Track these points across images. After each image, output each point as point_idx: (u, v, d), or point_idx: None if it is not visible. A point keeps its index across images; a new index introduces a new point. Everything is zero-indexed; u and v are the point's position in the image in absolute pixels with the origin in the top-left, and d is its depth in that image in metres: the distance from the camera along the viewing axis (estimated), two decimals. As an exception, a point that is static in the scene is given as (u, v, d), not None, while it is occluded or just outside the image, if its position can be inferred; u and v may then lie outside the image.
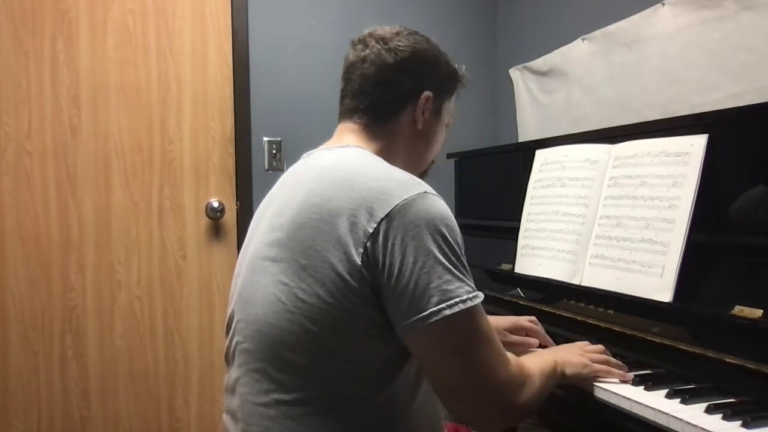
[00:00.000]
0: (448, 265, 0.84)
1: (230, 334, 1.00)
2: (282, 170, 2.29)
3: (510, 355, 0.90)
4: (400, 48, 1.03)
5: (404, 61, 1.03)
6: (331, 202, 0.87)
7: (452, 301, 0.82)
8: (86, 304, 2.07)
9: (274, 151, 2.30)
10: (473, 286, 0.86)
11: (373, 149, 1.01)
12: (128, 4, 2.10)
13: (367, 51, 1.03)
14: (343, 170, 0.92)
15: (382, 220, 0.84)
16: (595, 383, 1.04)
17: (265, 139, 2.29)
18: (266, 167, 2.29)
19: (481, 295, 0.87)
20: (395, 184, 0.87)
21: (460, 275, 0.85)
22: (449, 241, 0.85)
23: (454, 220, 0.89)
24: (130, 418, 2.13)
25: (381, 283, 0.84)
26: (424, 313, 0.82)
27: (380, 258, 0.83)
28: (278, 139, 2.30)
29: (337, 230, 0.85)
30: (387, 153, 1.02)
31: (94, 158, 2.08)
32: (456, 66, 1.11)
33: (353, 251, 0.84)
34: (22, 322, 2.01)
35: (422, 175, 1.13)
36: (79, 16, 2.05)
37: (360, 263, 0.84)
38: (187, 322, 2.19)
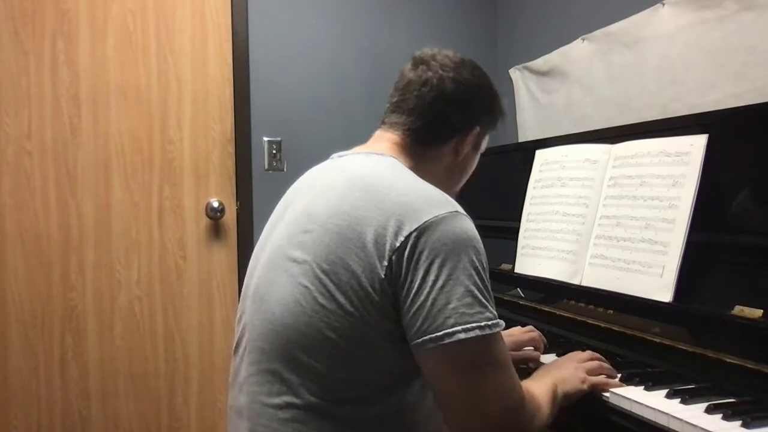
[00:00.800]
0: (471, 287, 0.82)
1: (242, 330, 0.99)
2: (282, 170, 2.29)
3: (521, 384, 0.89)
4: (463, 81, 1.03)
5: (464, 94, 1.03)
6: (361, 211, 0.87)
7: (469, 326, 0.81)
8: (86, 304, 2.07)
9: (274, 151, 2.30)
10: (494, 313, 0.85)
11: (407, 165, 1.00)
12: (128, 4, 2.10)
13: (429, 74, 1.02)
14: (376, 180, 0.91)
15: (409, 235, 0.83)
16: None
17: (265, 139, 2.29)
18: (266, 167, 2.29)
19: (501, 324, 0.85)
20: (426, 200, 0.87)
21: (483, 300, 0.83)
22: (475, 263, 0.84)
23: (481, 244, 0.87)
24: (130, 418, 2.13)
25: (400, 298, 0.84)
26: (438, 334, 0.81)
27: (403, 272, 0.83)
28: (278, 139, 2.30)
29: (363, 240, 0.84)
30: (420, 174, 1.00)
31: (94, 158, 2.08)
32: (503, 105, 1.12)
33: (377, 264, 0.83)
34: (22, 322, 2.01)
35: None
36: (79, 16, 2.05)
37: (383, 276, 0.83)
38: (187, 322, 2.19)
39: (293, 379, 0.87)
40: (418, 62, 1.05)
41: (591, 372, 1.05)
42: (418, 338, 0.82)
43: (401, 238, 0.83)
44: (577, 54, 2.11)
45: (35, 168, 2.02)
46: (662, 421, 0.90)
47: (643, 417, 0.93)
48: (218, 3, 2.21)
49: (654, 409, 0.91)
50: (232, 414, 0.98)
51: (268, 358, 0.90)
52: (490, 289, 0.86)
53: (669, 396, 0.95)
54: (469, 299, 0.82)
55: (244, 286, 1.04)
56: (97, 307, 2.09)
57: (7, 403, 2.00)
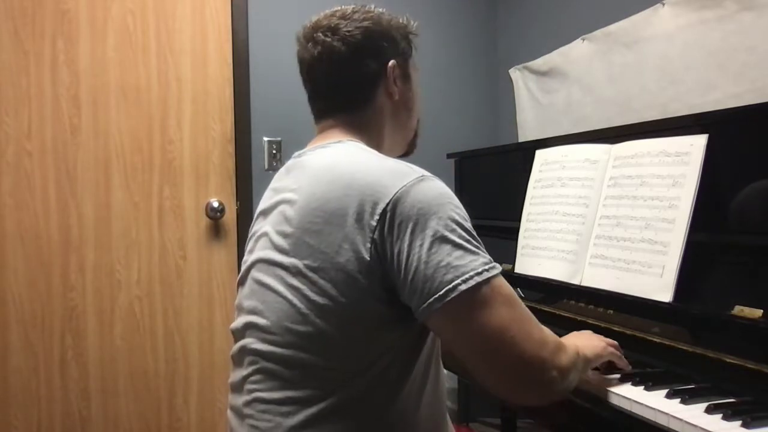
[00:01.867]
0: (457, 240, 0.83)
1: (240, 336, 0.99)
2: (282, 170, 2.29)
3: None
4: (350, 33, 1.00)
5: (358, 46, 1.00)
6: (332, 203, 0.87)
7: (466, 276, 0.81)
8: (86, 304, 2.07)
9: (274, 151, 2.30)
10: (488, 257, 0.85)
11: (362, 139, 1.01)
12: (128, 4, 2.10)
13: (319, 48, 1.00)
14: (339, 170, 0.92)
15: (383, 211, 0.84)
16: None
17: (265, 139, 2.29)
18: (266, 167, 2.29)
19: (498, 266, 0.85)
20: (391, 174, 0.87)
21: (472, 248, 0.84)
22: (454, 217, 0.84)
23: (455, 198, 0.88)
24: (130, 418, 2.13)
25: (392, 275, 0.84)
26: (440, 293, 0.81)
27: (387, 249, 0.83)
28: (278, 139, 2.30)
29: (343, 230, 0.85)
30: (376, 138, 1.02)
31: (94, 158, 2.08)
32: (405, 21, 1.08)
33: (362, 248, 0.84)
34: (22, 322, 2.01)
35: (414, 139, 1.14)
36: (79, 16, 2.05)
37: (369, 259, 0.84)
38: (187, 322, 2.19)
39: (293, 376, 0.88)
40: (305, 40, 1.03)
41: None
42: (423, 303, 0.82)
43: (377, 217, 0.84)
44: (577, 54, 2.11)
45: (35, 168, 2.02)
46: (662, 421, 0.90)
47: (643, 417, 0.93)
48: (218, 3, 2.21)
49: (654, 409, 0.91)
50: (232, 415, 0.98)
51: (266, 358, 0.91)
52: (476, 236, 0.86)
53: (669, 396, 0.95)
54: (458, 252, 0.82)
55: (238, 296, 1.04)
56: (97, 307, 2.09)
57: (7, 403, 2.00)
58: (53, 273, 2.04)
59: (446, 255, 0.82)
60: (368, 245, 0.84)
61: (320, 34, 1.01)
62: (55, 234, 2.04)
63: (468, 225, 0.86)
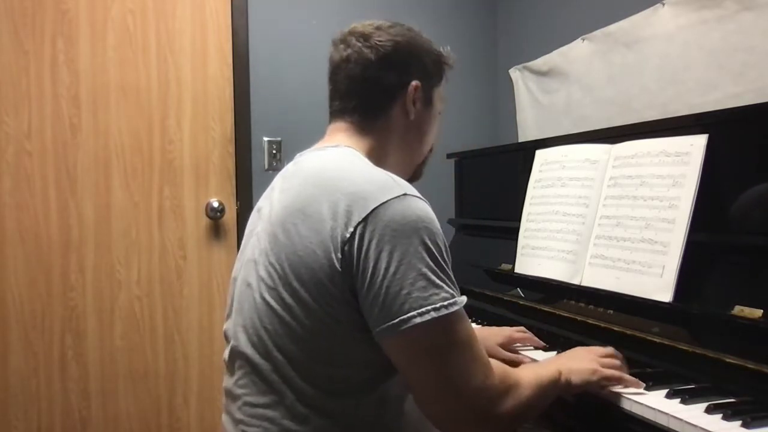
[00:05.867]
0: (423, 270, 0.81)
1: (229, 338, 1.00)
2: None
3: (497, 364, 0.88)
4: (381, 43, 1.02)
5: (387, 56, 1.01)
6: (314, 207, 0.87)
7: (423, 309, 0.79)
8: (86, 304, 2.07)
9: (274, 151, 2.30)
10: (453, 291, 0.83)
11: (364, 147, 1.01)
12: (128, 4, 2.10)
13: (349, 50, 1.03)
14: (326, 174, 0.91)
15: (358, 224, 0.82)
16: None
17: (265, 139, 2.29)
18: (266, 167, 2.29)
19: (460, 301, 0.84)
20: (374, 186, 0.86)
21: (438, 281, 0.82)
22: (427, 244, 0.82)
23: (436, 223, 0.86)
24: (130, 418, 2.13)
25: (356, 288, 0.83)
26: (394, 321, 0.80)
27: (355, 263, 0.82)
28: (278, 139, 2.30)
29: (319, 236, 0.85)
30: (380, 149, 1.02)
31: (94, 158, 2.08)
32: (441, 50, 1.09)
33: (333, 257, 0.83)
34: (22, 322, 2.01)
35: (420, 167, 1.13)
36: (79, 16, 2.05)
37: (339, 269, 0.83)
38: (187, 322, 2.19)
39: (277, 379, 0.88)
40: (338, 42, 1.06)
41: (605, 367, 1.03)
42: (377, 328, 0.82)
43: (350, 229, 0.83)
44: (577, 54, 2.11)
45: (35, 168, 2.02)
46: (662, 421, 0.90)
47: (642, 417, 0.93)
48: (218, 3, 2.21)
49: (654, 409, 0.91)
50: (226, 418, 0.98)
51: (251, 361, 0.91)
52: (447, 268, 0.85)
53: (669, 396, 0.95)
54: (422, 282, 0.81)
55: (229, 296, 1.04)
56: (97, 307, 2.09)
57: (7, 403, 2.00)
58: (53, 273, 2.04)
59: (409, 284, 0.80)
60: (339, 256, 0.83)
61: (353, 38, 1.03)
62: (55, 234, 2.04)
63: (441, 254, 0.84)
